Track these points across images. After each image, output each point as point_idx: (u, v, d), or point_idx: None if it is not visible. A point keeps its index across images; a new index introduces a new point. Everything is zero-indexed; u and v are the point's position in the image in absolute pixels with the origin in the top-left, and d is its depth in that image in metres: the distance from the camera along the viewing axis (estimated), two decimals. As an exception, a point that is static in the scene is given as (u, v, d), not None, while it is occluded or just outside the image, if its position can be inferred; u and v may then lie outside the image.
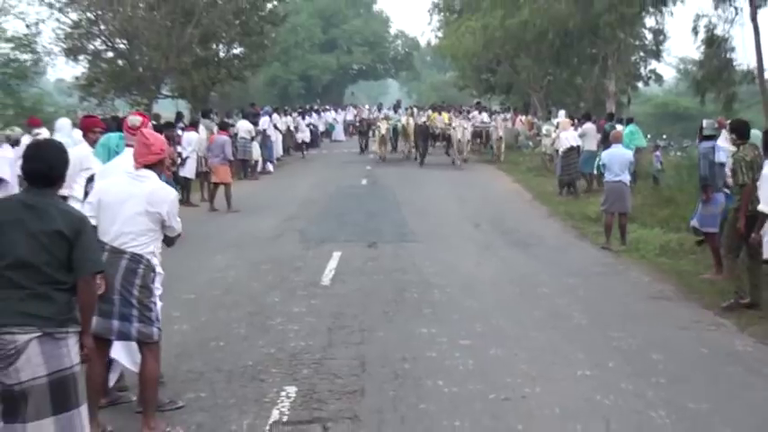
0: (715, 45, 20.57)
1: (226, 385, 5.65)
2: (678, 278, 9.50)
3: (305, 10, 47.49)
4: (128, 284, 4.61)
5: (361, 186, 19.24)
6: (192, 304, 7.93)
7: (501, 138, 25.08)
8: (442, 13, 36.15)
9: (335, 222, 13.94)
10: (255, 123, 20.59)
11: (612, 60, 26.10)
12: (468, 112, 29.32)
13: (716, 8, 20.51)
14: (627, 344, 6.82)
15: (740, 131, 8.54)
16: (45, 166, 3.68)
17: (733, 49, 21.04)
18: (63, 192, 5.45)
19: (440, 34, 37.14)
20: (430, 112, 28.32)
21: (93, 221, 4.28)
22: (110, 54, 22.58)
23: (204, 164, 15.21)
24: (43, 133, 10.72)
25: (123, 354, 5.01)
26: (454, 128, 23.33)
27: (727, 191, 9.23)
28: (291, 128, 25.91)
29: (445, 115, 25.96)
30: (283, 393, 5.51)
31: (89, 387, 4.43)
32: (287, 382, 5.74)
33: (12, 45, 19.19)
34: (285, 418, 5.14)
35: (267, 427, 5.00)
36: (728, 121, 10.21)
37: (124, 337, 4.71)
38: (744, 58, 24.64)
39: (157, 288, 4.87)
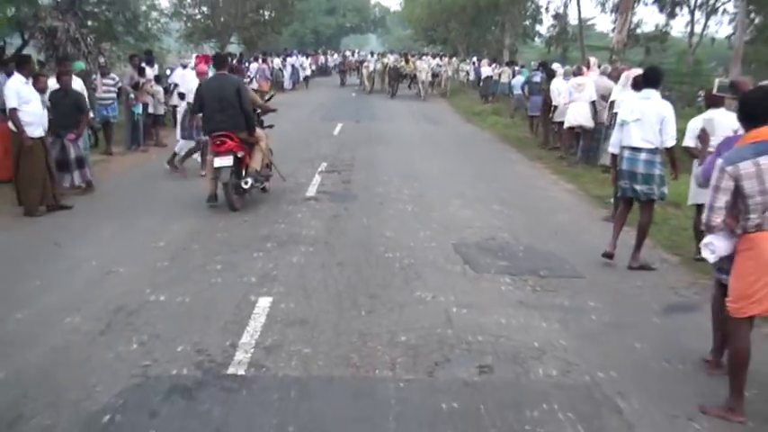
0: (559, 16, 23.39)
1: (301, 164, 9.09)
2: (505, 134, 13.17)
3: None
4: None
5: (351, 98, 21.09)
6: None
7: (449, 77, 23.65)
8: None
9: (338, 111, 16.23)
10: (284, 60, 23.17)
11: (508, 25, 26.69)
12: (432, 57, 26.72)
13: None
14: (471, 153, 10.66)
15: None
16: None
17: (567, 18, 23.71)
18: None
19: (402, 3, 37.28)
20: (399, 57, 24.90)
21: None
22: (198, 17, 24.05)
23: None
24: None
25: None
26: (419, 71, 21.21)
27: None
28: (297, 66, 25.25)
29: (405, 63, 22.75)
30: (323, 163, 9.04)
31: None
32: (324, 160, 9.29)
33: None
34: (323, 168, 8.75)
35: (319, 170, 8.60)
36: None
37: None
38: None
39: None
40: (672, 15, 18.87)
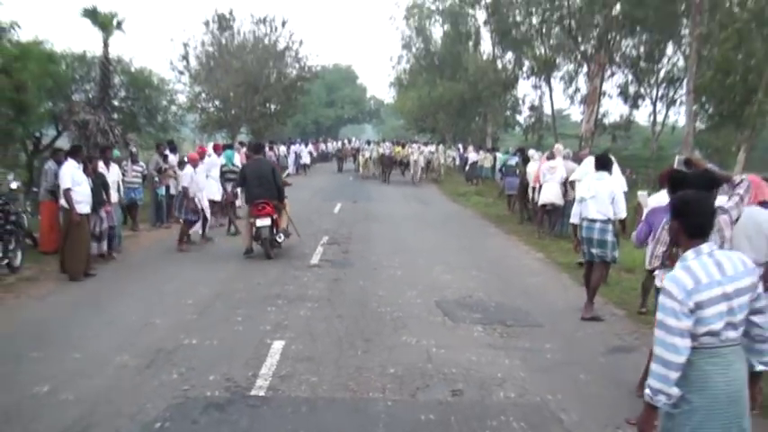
0: (534, 108, 25.53)
1: (306, 238, 9.90)
2: (486, 212, 14.29)
3: (317, 82, 49.15)
4: None
5: (349, 182, 22.44)
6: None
7: (441, 164, 23.64)
8: (395, 87, 37.82)
9: (337, 193, 17.51)
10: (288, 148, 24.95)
11: (489, 115, 28.68)
12: (424, 144, 26.86)
13: (535, 89, 25.36)
14: (454, 229, 11.67)
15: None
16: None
17: (542, 110, 25.87)
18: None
19: (395, 96, 39.69)
20: (392, 145, 25.50)
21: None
22: (212, 110, 25.47)
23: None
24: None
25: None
26: (415, 160, 21.41)
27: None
28: (299, 153, 26.40)
29: (400, 148, 23.52)
30: (324, 237, 9.98)
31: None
32: (326, 234, 10.21)
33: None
34: (325, 241, 9.65)
35: (321, 242, 9.54)
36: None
37: None
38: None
39: None
40: (635, 106, 20.78)
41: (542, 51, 22.56)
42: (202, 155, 10.34)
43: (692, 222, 2.32)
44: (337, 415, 3.78)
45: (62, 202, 7.22)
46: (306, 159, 26.32)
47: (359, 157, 24.83)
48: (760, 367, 2.44)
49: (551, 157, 10.40)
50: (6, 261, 7.10)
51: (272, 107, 27.34)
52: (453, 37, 28.28)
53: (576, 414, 3.92)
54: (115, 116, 17.20)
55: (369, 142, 30.80)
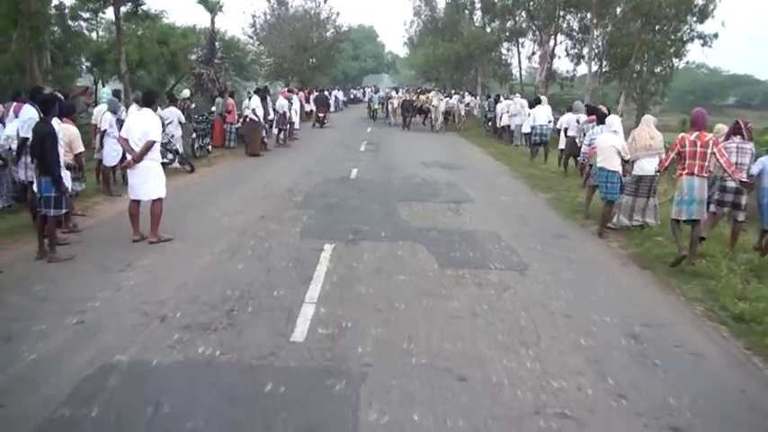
0: (507, 64, 29.50)
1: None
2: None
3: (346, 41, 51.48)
4: None
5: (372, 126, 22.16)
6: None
7: (462, 114, 20.94)
8: (408, 46, 39.36)
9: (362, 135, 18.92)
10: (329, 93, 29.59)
11: (482, 69, 30.04)
12: (445, 95, 23.55)
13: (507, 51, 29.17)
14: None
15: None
16: None
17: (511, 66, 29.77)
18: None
19: (408, 53, 41.33)
20: (414, 93, 23.76)
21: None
22: (271, 64, 28.98)
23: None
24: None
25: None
26: (434, 106, 19.00)
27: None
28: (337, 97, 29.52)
29: (423, 97, 21.13)
30: (363, 143, 15.13)
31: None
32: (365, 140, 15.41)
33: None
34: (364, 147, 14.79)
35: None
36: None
37: None
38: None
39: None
40: (578, 64, 24.83)
41: (513, 23, 26.20)
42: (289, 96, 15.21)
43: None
44: (371, 184, 9.02)
45: (250, 114, 12.13)
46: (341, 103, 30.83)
47: (387, 104, 22.61)
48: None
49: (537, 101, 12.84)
50: (209, 146, 12.34)
51: (315, 62, 31.30)
52: (453, 7, 30.66)
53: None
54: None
55: (397, 89, 29.94)
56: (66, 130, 5.47)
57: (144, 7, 15.39)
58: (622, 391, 2.91)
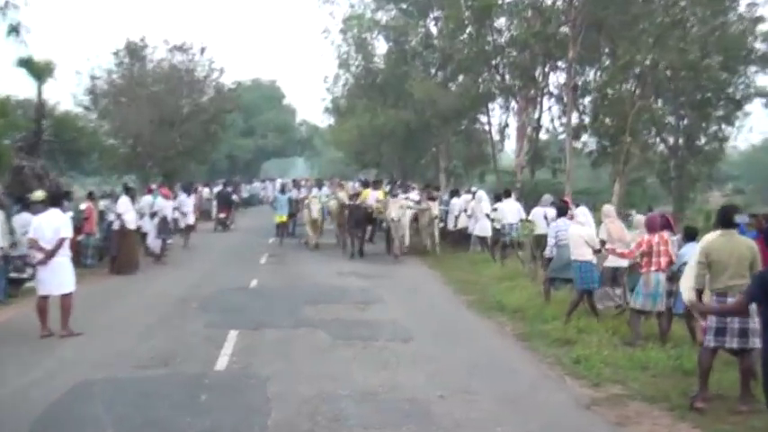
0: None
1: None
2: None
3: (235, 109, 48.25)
4: None
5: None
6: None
7: (436, 217, 21.00)
8: (333, 114, 42.96)
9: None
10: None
11: (443, 147, 34.85)
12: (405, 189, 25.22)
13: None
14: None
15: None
16: None
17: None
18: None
19: (332, 123, 44.90)
20: (358, 187, 26.33)
21: None
22: (120, 149, 34.62)
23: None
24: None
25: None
26: (393, 219, 19.40)
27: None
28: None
29: (365, 194, 21.82)
30: (265, 254, 21.05)
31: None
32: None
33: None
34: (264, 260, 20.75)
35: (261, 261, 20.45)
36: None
37: None
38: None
39: None
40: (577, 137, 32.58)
41: (478, 81, 31.98)
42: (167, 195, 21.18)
43: None
44: (274, 291, 14.65)
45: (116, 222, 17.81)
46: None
47: (306, 213, 22.96)
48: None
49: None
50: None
51: (185, 145, 36.00)
52: (398, 56, 34.43)
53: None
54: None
55: (320, 184, 31.78)
56: None
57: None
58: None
